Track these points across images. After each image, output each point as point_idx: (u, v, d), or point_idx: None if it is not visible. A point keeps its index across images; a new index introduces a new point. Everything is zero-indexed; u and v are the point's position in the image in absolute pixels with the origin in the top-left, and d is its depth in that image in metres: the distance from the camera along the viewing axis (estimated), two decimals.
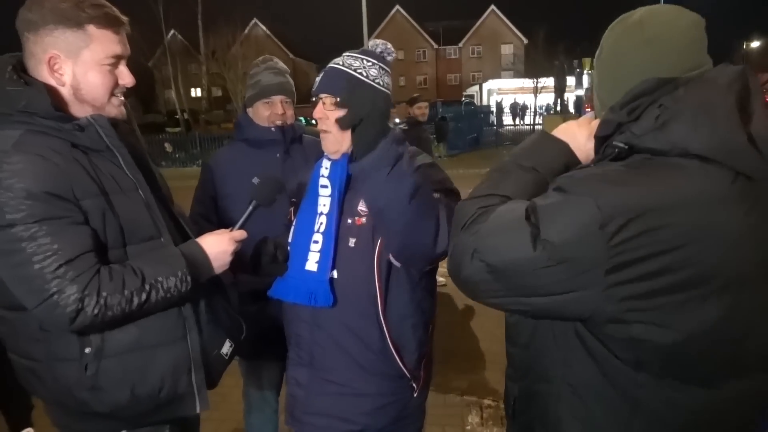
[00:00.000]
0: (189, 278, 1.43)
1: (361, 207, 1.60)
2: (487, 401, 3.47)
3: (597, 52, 1.21)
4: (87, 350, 1.38)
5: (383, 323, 1.59)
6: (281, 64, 2.45)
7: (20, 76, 1.37)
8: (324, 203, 1.65)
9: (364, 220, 1.60)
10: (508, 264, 1.00)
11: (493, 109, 28.03)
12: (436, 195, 1.55)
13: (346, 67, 1.59)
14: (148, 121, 32.60)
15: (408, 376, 1.65)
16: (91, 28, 1.39)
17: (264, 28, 51.77)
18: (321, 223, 1.63)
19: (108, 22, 1.40)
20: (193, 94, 42.58)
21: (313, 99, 1.64)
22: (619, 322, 0.98)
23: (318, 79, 1.63)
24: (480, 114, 26.94)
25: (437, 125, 16.39)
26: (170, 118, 34.86)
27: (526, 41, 49.83)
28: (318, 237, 1.62)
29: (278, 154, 2.38)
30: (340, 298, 1.59)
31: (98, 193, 1.37)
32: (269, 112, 2.37)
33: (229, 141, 2.61)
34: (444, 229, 1.46)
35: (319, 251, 1.61)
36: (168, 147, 19.88)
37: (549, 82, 31.32)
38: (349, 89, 1.56)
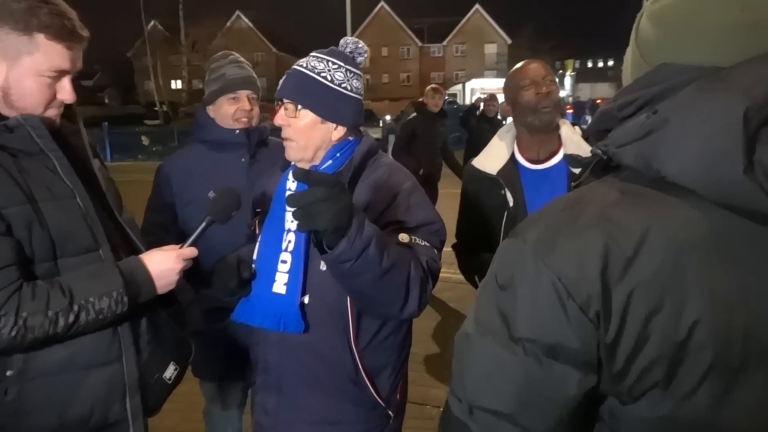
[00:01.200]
0: (125, 299, 1.30)
1: None
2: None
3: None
4: (8, 373, 1.25)
5: (355, 351, 1.48)
6: (244, 60, 2.24)
7: None
8: (291, 218, 1.48)
9: None
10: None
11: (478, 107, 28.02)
12: (415, 240, 1.42)
13: (309, 70, 1.47)
14: (127, 113, 32.08)
15: (382, 404, 1.54)
16: (40, 37, 1.25)
17: (247, 21, 51.30)
18: (289, 241, 1.49)
19: (62, 36, 1.27)
20: (173, 86, 42.02)
21: (276, 103, 1.52)
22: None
23: (281, 81, 1.51)
24: (461, 114, 26.89)
25: None
26: (149, 109, 34.34)
27: (509, 41, 50.09)
28: (286, 256, 1.49)
29: (243, 159, 2.16)
30: (311, 324, 1.47)
31: (24, 200, 1.23)
32: (234, 108, 2.13)
33: (188, 143, 2.39)
34: (413, 296, 1.36)
35: (287, 272, 1.48)
36: (144, 140, 19.52)
37: None
38: (310, 95, 1.46)
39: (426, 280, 1.39)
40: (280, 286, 1.48)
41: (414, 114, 5.76)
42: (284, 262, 1.49)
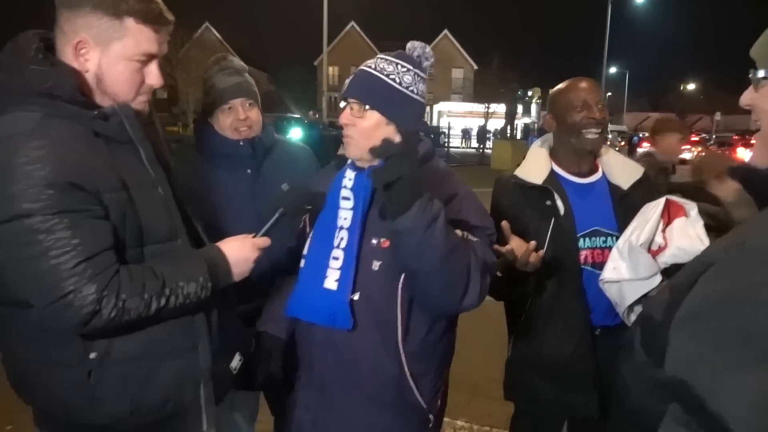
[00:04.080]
0: (209, 284, 1.34)
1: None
2: (459, 422, 3.36)
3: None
4: (92, 356, 1.27)
5: (402, 354, 1.49)
6: (237, 62, 2.11)
7: (46, 56, 1.27)
8: (345, 216, 1.54)
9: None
10: None
11: (444, 130, 28.42)
12: (469, 237, 1.45)
13: (378, 72, 1.50)
14: None
15: (424, 407, 1.55)
16: (129, 21, 1.29)
17: (215, 32, 50.84)
18: (342, 239, 1.52)
19: (149, 19, 1.31)
20: None
21: (342, 104, 1.54)
22: None
23: (348, 81, 1.53)
24: (431, 135, 27.28)
25: None
26: None
27: (476, 67, 51.06)
28: (338, 253, 1.51)
29: (249, 171, 2.07)
30: (358, 322, 1.49)
31: (120, 187, 1.27)
32: (230, 119, 2.03)
33: (186, 154, 2.23)
34: (474, 285, 1.39)
35: (339, 269, 1.50)
36: None
37: (498, 108, 32.09)
38: (379, 96, 1.48)
39: (485, 271, 1.42)
40: (331, 282, 1.50)
41: None
42: (336, 258, 1.51)
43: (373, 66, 1.51)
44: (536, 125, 33.34)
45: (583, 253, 1.88)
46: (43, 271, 1.16)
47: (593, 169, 1.98)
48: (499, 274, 1.62)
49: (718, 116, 39.83)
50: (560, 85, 2.00)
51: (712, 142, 28.47)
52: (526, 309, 1.94)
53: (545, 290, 1.89)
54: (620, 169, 1.97)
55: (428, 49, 1.56)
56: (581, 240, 1.89)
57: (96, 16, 1.27)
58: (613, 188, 1.94)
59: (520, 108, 27.97)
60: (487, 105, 30.25)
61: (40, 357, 1.29)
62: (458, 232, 1.43)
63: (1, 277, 1.24)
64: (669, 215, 1.59)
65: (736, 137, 30.03)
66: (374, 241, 1.48)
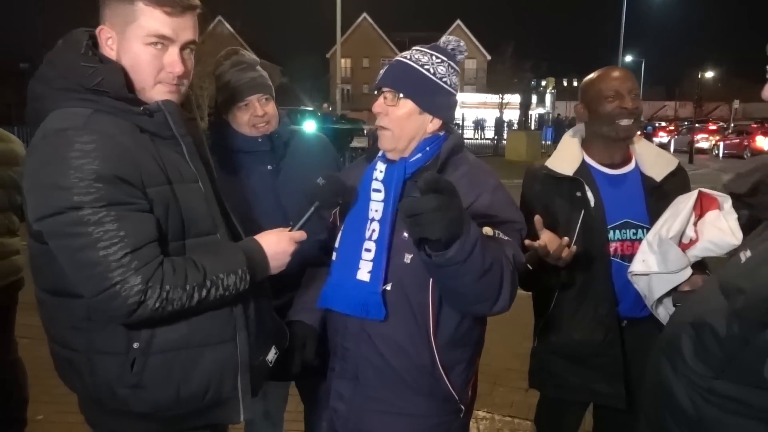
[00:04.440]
0: (248, 276, 1.37)
1: None
2: (481, 413, 3.37)
3: None
4: (135, 345, 1.32)
5: (434, 344, 1.52)
6: (248, 56, 2.06)
7: (95, 53, 1.32)
8: (376, 208, 1.56)
9: None
10: None
11: (459, 121, 28.28)
12: (501, 236, 1.47)
13: (413, 62, 1.53)
14: None
15: (456, 397, 1.58)
16: (139, 4, 1.31)
17: (228, 26, 50.90)
18: (373, 231, 1.54)
19: (159, 1, 1.32)
20: None
21: (375, 92, 1.57)
22: None
23: (382, 72, 1.56)
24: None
25: None
26: None
27: (489, 57, 50.65)
28: (370, 245, 1.54)
29: (269, 167, 2.04)
30: (391, 313, 1.52)
31: (164, 181, 1.31)
32: (248, 116, 1.99)
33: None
34: (506, 293, 1.41)
35: (371, 260, 1.52)
36: None
37: (512, 98, 31.80)
38: (413, 85, 1.50)
39: (515, 275, 1.44)
40: (364, 273, 1.52)
41: None
42: (368, 250, 1.53)
43: (408, 57, 1.54)
44: (550, 116, 32.99)
45: (612, 245, 1.88)
46: (92, 262, 1.21)
47: (626, 160, 1.97)
48: (529, 267, 1.62)
49: (736, 104, 39.17)
50: (592, 75, 1.97)
51: (730, 131, 28.02)
52: (555, 299, 1.95)
53: (574, 281, 1.90)
54: (654, 160, 1.95)
55: (462, 43, 1.59)
56: (611, 232, 1.88)
57: (114, 4, 1.32)
58: (646, 179, 1.92)
59: (534, 98, 27.67)
60: (501, 96, 30.00)
61: (87, 345, 1.34)
62: (489, 230, 1.44)
63: (53, 268, 1.28)
64: (702, 208, 1.57)
65: (755, 125, 29.51)
66: (405, 234, 1.49)
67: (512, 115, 33.50)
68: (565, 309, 1.94)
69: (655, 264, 1.57)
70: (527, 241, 1.63)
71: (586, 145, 1.99)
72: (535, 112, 27.85)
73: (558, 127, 26.92)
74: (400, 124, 1.52)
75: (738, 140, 24.80)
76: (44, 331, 1.43)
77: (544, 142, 21.80)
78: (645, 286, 1.63)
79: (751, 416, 1.05)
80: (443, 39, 1.59)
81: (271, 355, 1.57)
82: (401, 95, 1.51)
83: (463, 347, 1.60)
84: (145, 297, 1.22)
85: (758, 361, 1.02)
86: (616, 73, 1.91)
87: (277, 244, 1.45)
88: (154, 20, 1.32)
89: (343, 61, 39.27)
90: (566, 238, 1.72)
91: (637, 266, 1.63)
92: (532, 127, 29.98)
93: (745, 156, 22.90)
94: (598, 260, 1.86)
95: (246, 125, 2.00)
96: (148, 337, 1.32)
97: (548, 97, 25.59)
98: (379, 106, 1.53)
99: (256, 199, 1.97)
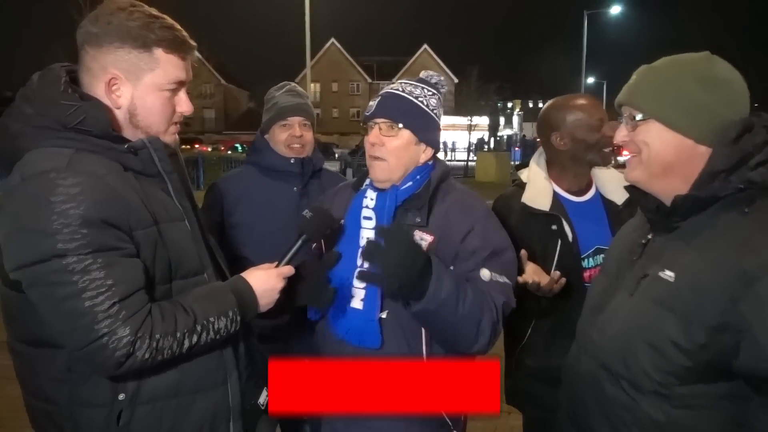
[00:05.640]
0: (239, 318, 1.32)
1: None
2: None
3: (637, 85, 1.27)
4: (121, 396, 1.24)
5: None
6: (300, 89, 2.30)
7: (75, 90, 1.25)
8: (367, 236, 1.57)
9: None
10: None
11: None
12: (496, 278, 1.51)
13: (407, 94, 1.57)
14: None
15: (450, 424, 1.59)
16: (159, 52, 1.28)
17: (198, 54, 50.71)
18: None
19: (176, 47, 1.30)
20: None
21: (364, 124, 1.59)
22: None
23: (373, 103, 1.58)
24: None
25: None
26: None
27: (456, 80, 51.61)
28: None
29: (295, 188, 2.19)
30: (386, 340, 1.52)
31: (151, 223, 1.25)
32: (286, 135, 2.18)
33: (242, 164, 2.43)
34: (484, 338, 1.46)
35: (364, 288, 1.52)
36: None
37: (480, 120, 32.34)
38: (411, 116, 1.54)
39: (497, 323, 1.48)
40: (357, 302, 1.53)
41: None
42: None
43: (400, 89, 1.58)
44: (518, 136, 33.57)
45: (586, 273, 1.92)
46: (78, 312, 1.13)
47: (589, 185, 2.01)
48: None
49: None
50: (564, 103, 1.97)
51: None
52: (532, 326, 1.97)
53: (552, 309, 1.91)
54: (614, 185, 1.98)
55: (442, 78, 1.65)
56: (585, 260, 1.92)
57: (125, 51, 1.25)
58: (608, 204, 1.96)
59: (502, 120, 28.24)
60: (469, 118, 30.53)
61: (69, 398, 1.25)
62: (485, 273, 1.49)
63: (32, 318, 1.20)
64: None
65: None
66: None
67: (480, 136, 34.07)
68: (542, 335, 1.96)
69: None
70: (519, 278, 1.67)
71: (553, 171, 2.00)
72: (503, 134, 28.34)
73: (526, 147, 27.44)
74: (398, 154, 1.55)
75: None
76: (19, 384, 1.34)
77: (513, 162, 22.17)
78: None
79: (718, 406, 1.15)
80: (424, 74, 1.64)
81: (263, 398, 1.51)
82: (401, 125, 1.54)
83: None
84: (134, 348, 1.16)
85: (724, 361, 1.11)
86: (590, 101, 1.95)
87: (265, 282, 1.40)
88: (174, 67, 1.31)
89: (312, 85, 39.52)
90: (557, 272, 1.75)
91: None
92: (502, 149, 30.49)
93: None
94: (574, 289, 1.88)
95: (282, 144, 2.18)
96: (135, 387, 1.25)
97: (515, 119, 26.14)
98: (375, 136, 1.56)
99: (278, 214, 2.08)
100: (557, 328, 1.92)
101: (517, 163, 23.65)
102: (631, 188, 1.35)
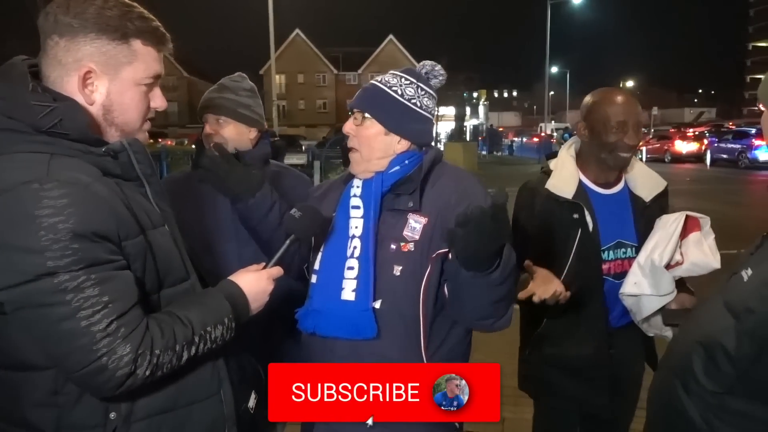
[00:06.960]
0: (234, 324, 1.26)
1: (407, 232, 1.50)
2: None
3: None
4: (112, 415, 1.16)
5: (424, 357, 1.49)
6: (236, 79, 2.00)
7: (45, 89, 1.14)
8: (356, 225, 1.54)
9: (411, 246, 1.49)
10: None
11: None
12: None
13: (382, 84, 1.56)
14: None
15: (456, 424, 1.53)
16: (137, 44, 1.19)
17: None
18: (355, 248, 1.52)
19: (154, 39, 1.22)
20: None
21: (350, 113, 1.59)
22: None
23: (357, 94, 1.59)
24: None
25: (343, 149, 16.41)
26: None
27: None
28: (353, 263, 1.50)
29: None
30: (383, 330, 1.47)
31: (138, 231, 1.17)
32: (204, 134, 1.98)
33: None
34: (511, 310, 1.44)
35: (355, 278, 1.49)
36: None
37: (446, 110, 32.46)
38: (379, 106, 1.52)
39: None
40: (348, 293, 1.49)
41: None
42: (351, 268, 1.50)
43: (379, 80, 1.58)
44: (484, 126, 33.83)
45: (606, 265, 1.91)
46: (74, 334, 1.05)
47: (618, 179, 1.99)
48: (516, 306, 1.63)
49: (655, 110, 41.60)
50: (599, 95, 1.92)
51: (651, 136, 29.64)
52: (547, 314, 1.95)
53: (568, 300, 1.89)
54: (644, 181, 1.97)
55: (438, 67, 1.60)
56: (605, 252, 1.91)
57: (101, 43, 1.16)
58: (635, 199, 1.95)
59: (468, 110, 28.41)
60: (437, 108, 30.74)
61: (56, 423, 1.16)
62: None
63: (10, 341, 1.11)
64: (686, 229, 1.66)
65: (673, 130, 31.37)
66: (393, 246, 1.49)
67: (448, 127, 34.27)
68: (558, 324, 1.95)
69: (647, 287, 1.65)
70: (521, 293, 1.66)
71: (581, 161, 1.97)
72: (469, 123, 28.53)
73: (492, 137, 27.63)
74: (368, 143, 1.54)
75: (659, 144, 26.18)
76: None
77: (481, 153, 22.29)
78: (633, 304, 1.71)
79: None
80: (419, 64, 1.61)
81: (252, 401, 1.46)
82: (367, 115, 1.53)
83: (453, 359, 1.55)
84: (135, 366, 1.08)
85: None
86: (624, 101, 1.87)
87: (256, 284, 1.34)
88: (152, 60, 1.23)
89: (277, 77, 38.95)
90: (561, 288, 1.69)
91: (629, 288, 1.70)
92: (467, 138, 30.70)
93: (666, 159, 24.21)
94: (592, 280, 1.88)
95: (206, 143, 1.94)
96: (129, 405, 1.17)
97: (481, 109, 26.31)
98: (348, 126, 1.57)
99: (205, 217, 1.93)
100: (573, 317, 1.91)
101: (484, 153, 23.86)
102: None
